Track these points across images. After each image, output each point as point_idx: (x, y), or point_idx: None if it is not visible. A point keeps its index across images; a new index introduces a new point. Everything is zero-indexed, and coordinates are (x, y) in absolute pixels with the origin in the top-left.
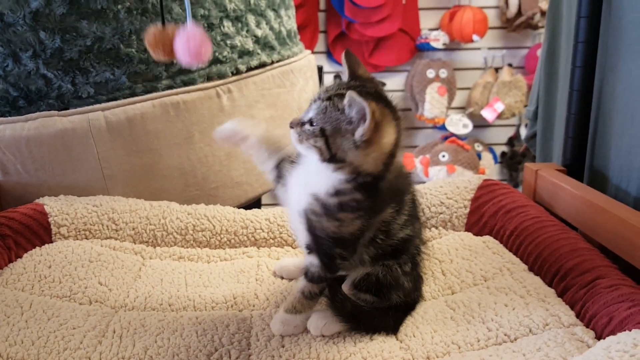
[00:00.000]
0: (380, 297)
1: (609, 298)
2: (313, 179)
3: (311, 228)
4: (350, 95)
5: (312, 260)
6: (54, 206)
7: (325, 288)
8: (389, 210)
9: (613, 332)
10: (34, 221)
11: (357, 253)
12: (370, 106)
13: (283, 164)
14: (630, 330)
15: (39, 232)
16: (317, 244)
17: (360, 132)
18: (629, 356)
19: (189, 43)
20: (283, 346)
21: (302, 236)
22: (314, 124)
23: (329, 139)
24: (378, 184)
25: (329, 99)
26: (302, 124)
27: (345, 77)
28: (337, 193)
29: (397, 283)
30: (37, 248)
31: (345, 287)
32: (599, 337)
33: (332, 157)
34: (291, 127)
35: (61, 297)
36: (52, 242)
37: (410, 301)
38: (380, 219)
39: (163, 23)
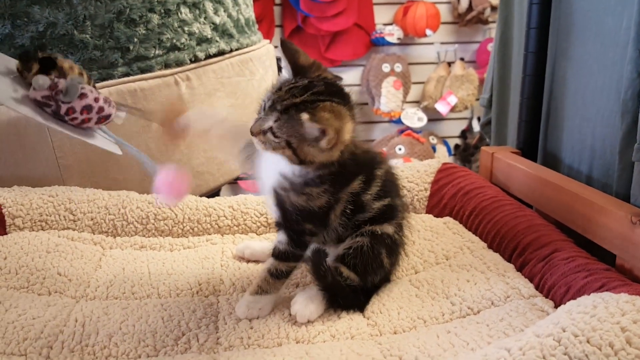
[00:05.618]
0: (362, 276)
1: (566, 269)
2: (280, 161)
3: (280, 203)
4: (306, 124)
5: (281, 238)
6: (8, 197)
7: (292, 269)
8: (357, 182)
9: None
10: None
11: (331, 227)
12: (327, 123)
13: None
14: (589, 295)
15: None
16: (287, 219)
17: (324, 143)
18: (590, 317)
19: (170, 184)
20: (252, 328)
21: (273, 211)
22: (278, 136)
23: (296, 150)
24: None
25: (286, 111)
26: (264, 132)
27: (287, 71)
28: (302, 174)
29: (380, 264)
30: None
31: (329, 260)
32: (557, 306)
33: (301, 162)
34: (252, 134)
35: (18, 289)
36: (6, 233)
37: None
38: (349, 190)
39: None
